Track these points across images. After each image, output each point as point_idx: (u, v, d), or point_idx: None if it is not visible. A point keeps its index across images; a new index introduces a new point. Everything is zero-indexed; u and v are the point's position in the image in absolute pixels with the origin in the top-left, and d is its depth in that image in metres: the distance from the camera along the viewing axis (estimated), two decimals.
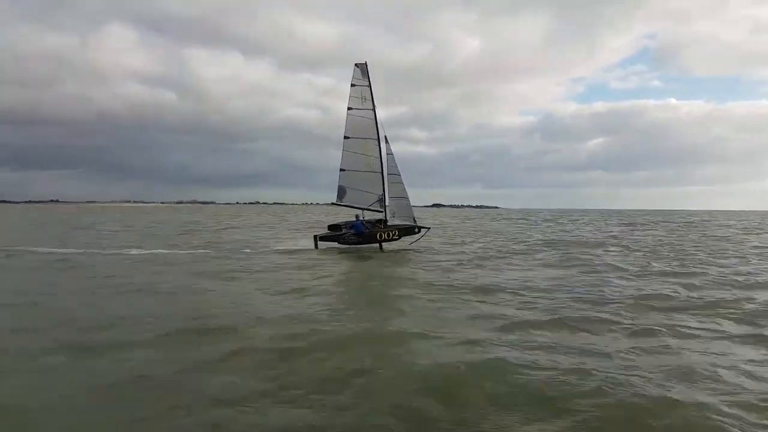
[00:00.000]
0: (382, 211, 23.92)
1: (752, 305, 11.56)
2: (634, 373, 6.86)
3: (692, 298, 12.50)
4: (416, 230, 24.13)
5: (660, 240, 32.72)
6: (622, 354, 7.77)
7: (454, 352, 7.72)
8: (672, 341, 8.58)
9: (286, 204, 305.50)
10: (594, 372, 6.80)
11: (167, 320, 9.53)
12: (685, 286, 14.05)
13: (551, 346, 8.11)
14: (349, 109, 23.63)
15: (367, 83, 23.70)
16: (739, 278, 15.64)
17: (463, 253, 23.28)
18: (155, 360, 7.29)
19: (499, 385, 6.41)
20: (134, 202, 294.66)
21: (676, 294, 12.91)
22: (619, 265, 18.57)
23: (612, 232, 42.49)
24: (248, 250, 23.27)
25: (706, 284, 14.58)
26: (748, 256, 22.66)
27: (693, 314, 10.71)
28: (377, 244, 23.43)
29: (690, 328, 9.53)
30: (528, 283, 14.43)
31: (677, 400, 5.94)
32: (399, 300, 12.18)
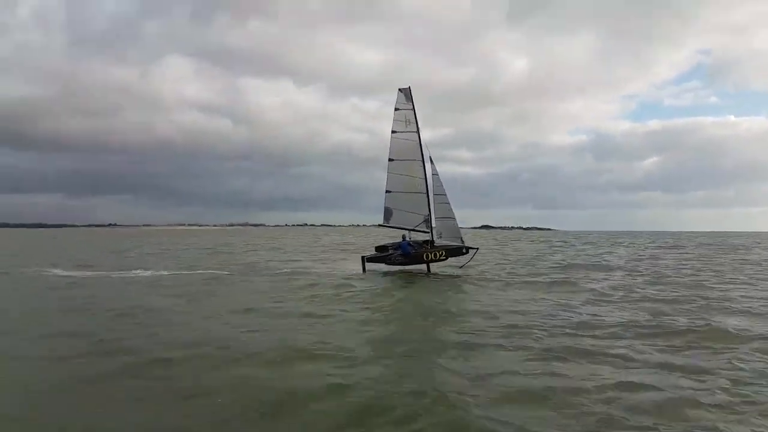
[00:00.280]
0: (428, 232, 23.94)
1: (696, 333, 11.22)
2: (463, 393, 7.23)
3: (635, 322, 12.42)
4: (464, 251, 23.84)
5: (681, 264, 31.35)
6: (467, 375, 8.05)
7: None
8: (552, 364, 8.74)
9: (334, 226, 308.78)
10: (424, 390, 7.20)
11: (74, 337, 10.56)
12: (650, 311, 13.92)
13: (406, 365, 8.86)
14: (393, 132, 24.11)
15: (411, 107, 24.12)
16: (726, 303, 15.30)
17: (463, 275, 23.09)
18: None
19: None
20: (189, 225, 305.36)
21: (620, 319, 12.76)
22: (604, 290, 18.28)
23: (643, 255, 41.01)
24: (226, 273, 24.13)
25: (676, 311, 14.06)
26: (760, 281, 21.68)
27: (609, 338, 10.77)
28: (424, 266, 23.40)
29: (586, 351, 9.67)
30: (484, 308, 14.41)
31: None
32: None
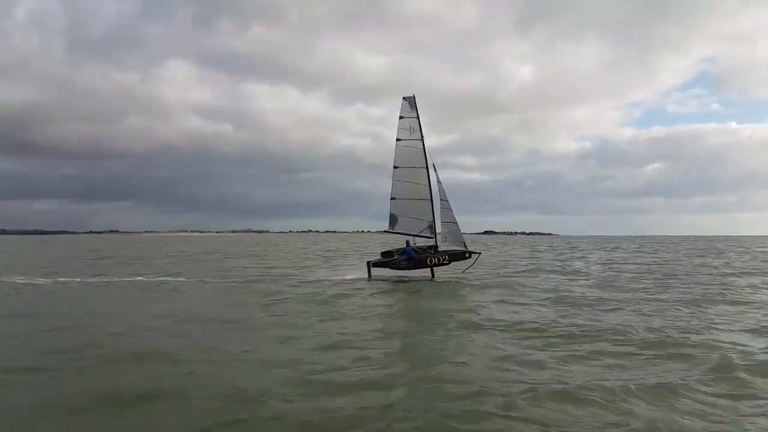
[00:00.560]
0: (432, 237, 24.42)
1: (569, 327, 12.49)
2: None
3: (534, 319, 13.57)
4: (467, 255, 24.40)
5: (640, 268, 32.09)
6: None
7: None
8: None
9: (338, 232, 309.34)
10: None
11: None
12: (558, 312, 14.89)
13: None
14: (398, 140, 24.58)
15: (415, 115, 24.62)
16: (635, 306, 15.85)
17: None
18: None
19: None
20: (191, 231, 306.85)
21: (509, 319, 13.73)
22: (529, 292, 19.48)
23: (614, 260, 41.87)
24: (172, 279, 24.45)
25: (575, 312, 14.85)
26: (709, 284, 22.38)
27: (496, 333, 12.00)
28: (429, 273, 23.93)
29: (470, 344, 11.01)
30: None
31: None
32: None
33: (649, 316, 14.18)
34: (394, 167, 24.47)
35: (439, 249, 24.14)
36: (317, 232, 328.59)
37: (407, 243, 24.07)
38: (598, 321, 13.41)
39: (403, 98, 24.67)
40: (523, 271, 28.82)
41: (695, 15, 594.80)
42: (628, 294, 18.93)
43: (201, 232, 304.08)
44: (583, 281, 23.90)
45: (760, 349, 10.40)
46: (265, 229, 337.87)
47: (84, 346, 10.33)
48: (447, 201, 24.22)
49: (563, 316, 14.06)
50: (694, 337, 11.37)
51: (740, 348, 10.41)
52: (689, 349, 10.34)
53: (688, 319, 13.81)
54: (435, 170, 24.24)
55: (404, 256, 23.76)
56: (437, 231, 24.33)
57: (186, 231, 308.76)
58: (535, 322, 13.10)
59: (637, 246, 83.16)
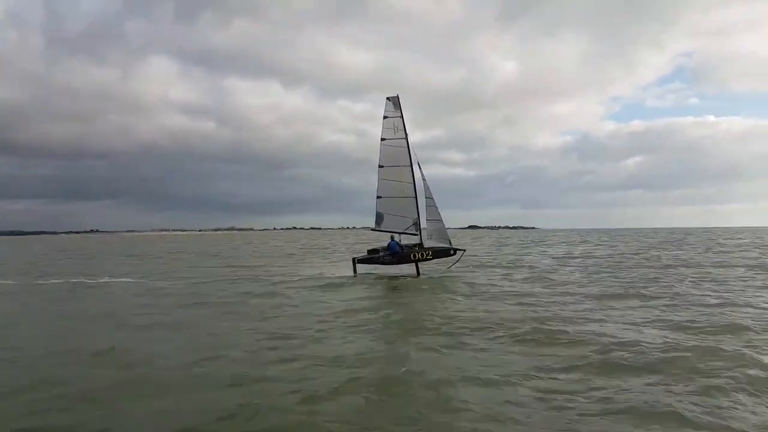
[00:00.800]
0: (417, 234, 24.72)
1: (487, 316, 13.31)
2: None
3: (428, 311, 14.47)
4: (451, 252, 24.74)
5: (587, 263, 32.64)
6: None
7: None
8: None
9: (323, 229, 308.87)
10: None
11: None
12: (468, 297, 16.61)
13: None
14: (382, 139, 24.85)
15: (399, 114, 24.83)
16: (528, 299, 16.56)
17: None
18: None
19: None
20: (173, 230, 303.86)
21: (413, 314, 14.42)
22: (454, 287, 20.13)
23: (570, 254, 42.49)
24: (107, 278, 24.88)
25: (485, 303, 15.71)
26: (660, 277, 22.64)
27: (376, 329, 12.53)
28: (414, 270, 24.12)
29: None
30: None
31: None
32: None
33: (544, 308, 14.65)
34: (379, 166, 24.77)
35: (424, 246, 24.51)
36: (302, 229, 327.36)
37: (392, 237, 24.45)
38: (489, 312, 13.91)
39: (387, 98, 24.96)
40: (469, 266, 28.95)
41: (672, 10, 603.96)
42: (549, 289, 19.25)
43: (183, 230, 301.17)
44: (518, 276, 24.36)
45: (617, 343, 10.29)
46: (249, 227, 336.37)
47: None
48: (432, 199, 24.54)
49: (459, 310, 14.56)
50: (569, 329, 11.62)
51: (606, 341, 10.43)
52: (551, 340, 10.70)
53: (580, 311, 14.11)
54: (420, 168, 24.59)
55: (388, 251, 24.12)
56: (423, 227, 24.67)
57: (168, 230, 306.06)
58: (426, 316, 13.70)
59: (607, 239, 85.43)
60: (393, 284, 21.32)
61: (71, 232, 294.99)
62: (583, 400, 7.25)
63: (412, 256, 23.96)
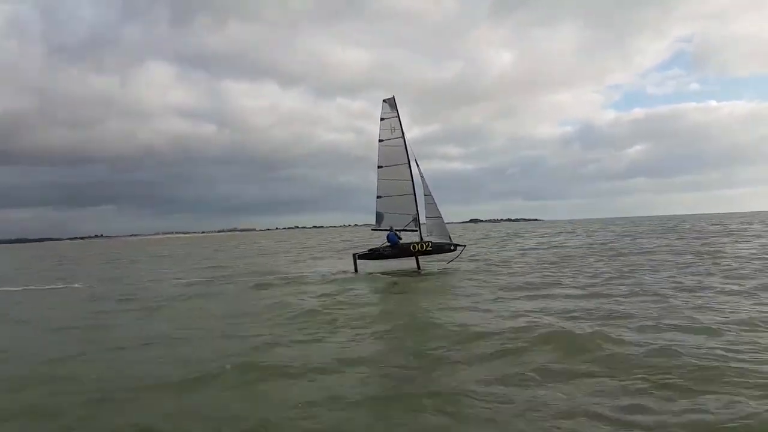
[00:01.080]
0: (417, 231, 25.20)
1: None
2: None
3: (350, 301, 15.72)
4: (452, 248, 25.03)
5: (568, 252, 33.24)
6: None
7: None
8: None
9: (326, 227, 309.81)
10: None
11: None
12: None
13: None
14: (380, 141, 25.56)
15: (395, 114, 25.50)
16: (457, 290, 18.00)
17: None
18: None
19: None
20: (176, 233, 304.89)
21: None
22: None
23: (552, 244, 43.08)
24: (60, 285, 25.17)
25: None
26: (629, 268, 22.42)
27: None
28: (415, 266, 24.66)
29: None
30: None
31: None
32: None
33: (470, 298, 15.54)
34: (378, 167, 25.47)
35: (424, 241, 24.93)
36: (304, 228, 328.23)
37: (390, 229, 24.72)
38: (400, 306, 15.04)
39: (384, 100, 25.61)
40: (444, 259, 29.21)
41: None
42: (504, 278, 20.55)
43: (186, 233, 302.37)
44: (485, 267, 25.32)
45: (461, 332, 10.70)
46: (251, 228, 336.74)
47: None
48: (431, 196, 25.00)
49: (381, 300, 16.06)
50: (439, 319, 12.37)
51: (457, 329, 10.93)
52: (436, 328, 11.29)
53: (502, 302, 14.63)
54: (417, 165, 25.14)
55: (388, 243, 24.37)
56: (422, 223, 25.08)
57: (171, 233, 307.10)
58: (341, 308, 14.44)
59: (600, 227, 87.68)
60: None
61: (75, 237, 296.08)
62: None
63: (411, 247, 24.22)
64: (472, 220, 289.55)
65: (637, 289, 15.53)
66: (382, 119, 25.47)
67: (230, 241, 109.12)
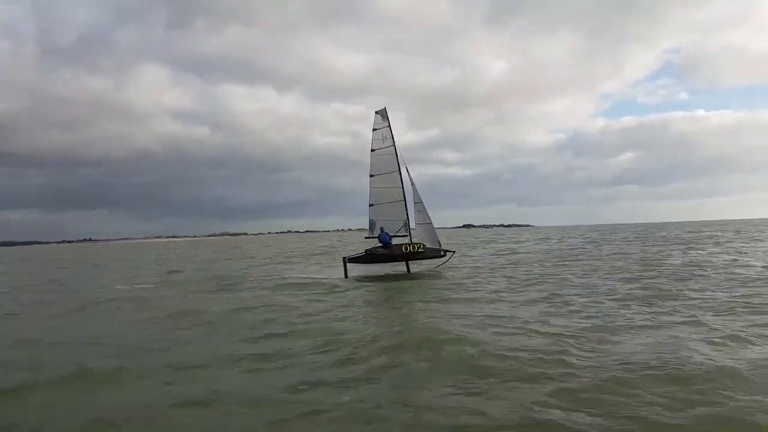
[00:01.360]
0: (407, 236, 25.82)
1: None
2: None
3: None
4: (442, 253, 25.78)
5: (531, 258, 33.76)
6: None
7: None
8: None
9: (320, 231, 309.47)
10: None
11: None
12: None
13: None
14: (372, 150, 26.45)
15: (387, 125, 26.35)
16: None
17: None
18: None
19: None
20: (166, 237, 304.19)
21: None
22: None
23: (516, 250, 43.87)
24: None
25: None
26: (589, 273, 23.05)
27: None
28: (404, 269, 25.29)
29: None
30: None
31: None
32: None
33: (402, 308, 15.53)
34: (371, 176, 26.31)
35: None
36: (297, 232, 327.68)
37: (381, 229, 25.14)
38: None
39: (375, 112, 26.52)
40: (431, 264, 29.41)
41: (660, 6, 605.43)
42: (449, 281, 21.69)
43: (176, 237, 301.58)
44: (442, 272, 25.51)
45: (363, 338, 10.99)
46: (242, 232, 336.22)
47: None
48: (421, 203, 25.80)
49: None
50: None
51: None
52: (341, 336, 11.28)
53: (419, 311, 14.68)
54: (408, 172, 25.98)
55: (379, 244, 24.78)
56: (412, 228, 25.72)
57: (161, 237, 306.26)
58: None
59: (577, 234, 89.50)
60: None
61: (64, 241, 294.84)
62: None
63: (404, 248, 24.47)
64: (465, 226, 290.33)
65: (536, 296, 16.18)
66: (374, 130, 26.37)
67: (212, 246, 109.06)
